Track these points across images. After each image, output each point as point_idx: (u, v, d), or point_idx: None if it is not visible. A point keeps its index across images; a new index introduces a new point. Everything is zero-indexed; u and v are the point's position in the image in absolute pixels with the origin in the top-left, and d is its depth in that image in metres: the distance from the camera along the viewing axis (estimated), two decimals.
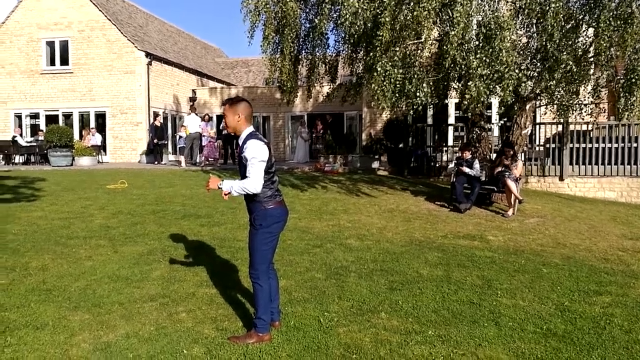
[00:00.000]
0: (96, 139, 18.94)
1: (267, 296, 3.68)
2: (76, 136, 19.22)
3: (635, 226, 8.53)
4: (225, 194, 3.55)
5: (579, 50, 7.97)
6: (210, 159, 17.49)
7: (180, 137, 17.86)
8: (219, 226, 7.38)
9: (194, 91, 22.93)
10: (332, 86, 11.74)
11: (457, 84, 9.19)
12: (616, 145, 12.33)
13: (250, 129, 3.66)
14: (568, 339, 3.86)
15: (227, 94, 22.48)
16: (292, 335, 3.86)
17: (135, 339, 3.76)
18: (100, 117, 20.15)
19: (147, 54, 19.71)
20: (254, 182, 3.48)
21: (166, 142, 19.67)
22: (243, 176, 3.60)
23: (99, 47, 19.70)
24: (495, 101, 12.50)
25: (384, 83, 8.20)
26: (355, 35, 8.80)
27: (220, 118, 18.80)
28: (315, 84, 11.50)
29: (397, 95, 8.36)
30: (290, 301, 4.55)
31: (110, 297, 4.59)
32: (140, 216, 8.01)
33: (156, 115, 18.82)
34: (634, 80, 7.55)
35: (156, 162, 17.65)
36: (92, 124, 19.90)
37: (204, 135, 16.99)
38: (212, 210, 8.48)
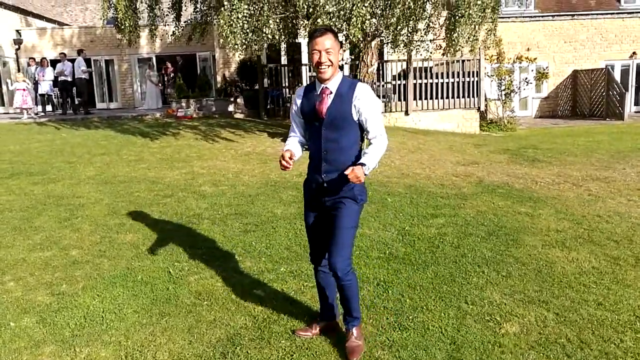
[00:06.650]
0: None
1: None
2: None
3: (467, 153, 9.48)
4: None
5: None
6: (22, 108, 14.91)
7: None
8: (55, 183, 6.67)
9: (18, 32, 19.97)
10: (177, 24, 10.95)
11: (306, 21, 9.12)
12: (453, 80, 13.41)
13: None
14: (407, 260, 4.19)
15: (60, 36, 19.98)
16: (139, 289, 3.66)
17: None
18: None
19: None
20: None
21: None
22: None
23: None
24: (343, 39, 12.72)
25: (232, 19, 7.83)
26: None
27: (55, 63, 16.61)
28: (158, 23, 10.62)
29: (246, 33, 8.05)
30: (138, 255, 4.30)
31: None
32: None
33: None
34: (457, 17, 8.12)
35: None
36: None
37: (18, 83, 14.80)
38: (48, 166, 7.63)
